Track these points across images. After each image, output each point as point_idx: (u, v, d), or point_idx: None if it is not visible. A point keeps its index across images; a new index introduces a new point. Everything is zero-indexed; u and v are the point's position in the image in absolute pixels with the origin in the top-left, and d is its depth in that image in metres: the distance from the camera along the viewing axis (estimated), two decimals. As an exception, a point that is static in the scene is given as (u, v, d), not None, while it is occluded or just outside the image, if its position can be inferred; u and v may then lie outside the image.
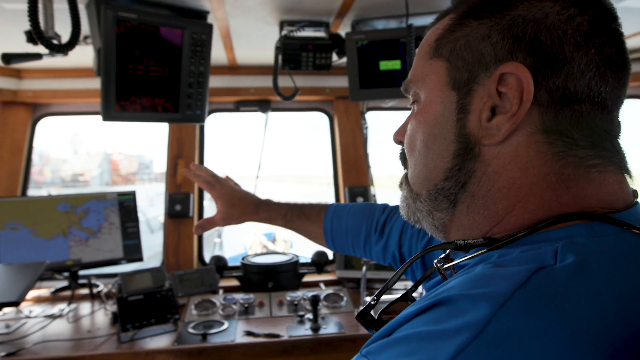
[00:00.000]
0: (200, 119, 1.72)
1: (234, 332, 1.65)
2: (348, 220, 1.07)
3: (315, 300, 1.71)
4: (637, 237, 0.45)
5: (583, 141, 0.47)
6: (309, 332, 1.66)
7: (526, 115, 0.48)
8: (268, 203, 1.15)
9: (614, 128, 0.50)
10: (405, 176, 0.62)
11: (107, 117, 1.52)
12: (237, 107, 2.49)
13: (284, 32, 1.76)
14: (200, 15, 1.63)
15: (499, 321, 0.36)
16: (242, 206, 1.14)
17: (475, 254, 0.50)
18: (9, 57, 1.31)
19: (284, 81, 1.92)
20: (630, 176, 0.51)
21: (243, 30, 1.81)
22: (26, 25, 1.17)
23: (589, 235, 0.45)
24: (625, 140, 0.53)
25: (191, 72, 1.61)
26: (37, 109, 2.44)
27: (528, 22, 0.47)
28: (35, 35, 1.06)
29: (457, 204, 0.54)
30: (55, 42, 1.13)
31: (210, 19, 1.66)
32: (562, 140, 0.47)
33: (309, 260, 2.39)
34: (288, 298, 1.95)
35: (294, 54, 1.81)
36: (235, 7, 1.55)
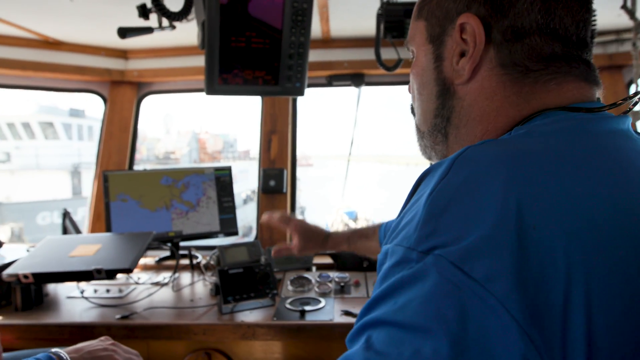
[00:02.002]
0: (300, 92, 1.67)
1: (332, 311, 1.62)
2: None
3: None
4: (583, 115, 0.52)
5: (535, 66, 0.56)
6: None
7: (485, 55, 0.58)
8: (334, 234, 1.44)
9: (572, 49, 0.56)
10: (416, 124, 0.73)
11: (211, 90, 1.52)
12: (330, 81, 2.41)
13: (387, -2, 1.64)
14: (300, -17, 1.56)
15: (448, 180, 0.47)
16: (315, 240, 1.43)
17: None
18: (124, 31, 1.35)
19: (384, 53, 1.81)
20: (597, 84, 0.58)
21: (342, -2, 1.72)
22: (136, 2, 1.20)
23: (540, 119, 0.54)
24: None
25: (292, 42, 1.56)
26: (141, 87, 2.56)
27: None
28: (154, 5, 1.09)
29: (448, 135, 0.65)
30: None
31: (310, -13, 1.59)
32: (516, 69, 0.57)
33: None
34: (384, 279, 1.87)
35: (398, 21, 1.68)
36: (337, -29, 1.46)
